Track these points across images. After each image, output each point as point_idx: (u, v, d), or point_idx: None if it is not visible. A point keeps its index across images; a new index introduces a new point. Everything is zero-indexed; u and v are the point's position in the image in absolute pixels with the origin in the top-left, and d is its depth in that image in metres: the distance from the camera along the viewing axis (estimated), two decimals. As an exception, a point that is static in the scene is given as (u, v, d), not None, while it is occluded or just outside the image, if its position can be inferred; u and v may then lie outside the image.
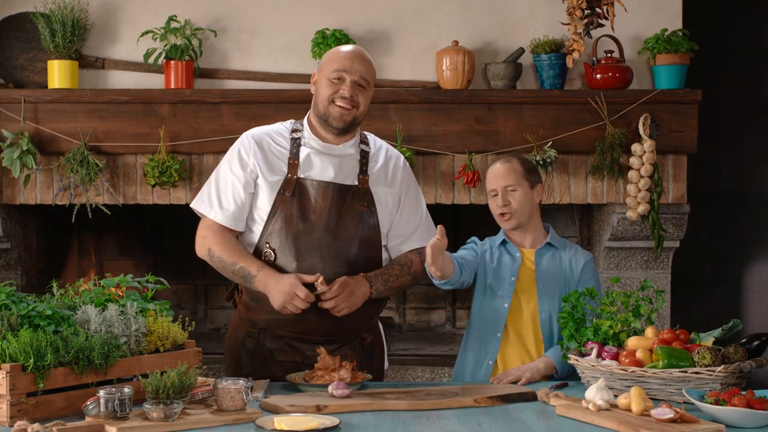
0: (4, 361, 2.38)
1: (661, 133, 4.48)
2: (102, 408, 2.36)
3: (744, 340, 2.80)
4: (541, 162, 4.41)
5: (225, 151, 3.18)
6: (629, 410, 2.44)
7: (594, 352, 2.82)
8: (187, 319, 2.89)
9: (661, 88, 4.53)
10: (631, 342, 2.82)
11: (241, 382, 2.49)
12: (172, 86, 4.49)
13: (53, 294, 2.75)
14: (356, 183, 3.08)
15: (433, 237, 2.87)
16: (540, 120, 4.50)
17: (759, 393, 2.46)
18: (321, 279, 2.91)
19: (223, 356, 3.23)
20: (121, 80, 4.61)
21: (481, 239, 3.30)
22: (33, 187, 4.49)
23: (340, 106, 3.01)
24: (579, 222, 5.19)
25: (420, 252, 3.15)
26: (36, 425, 2.24)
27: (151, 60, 4.52)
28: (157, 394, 2.42)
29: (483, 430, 2.39)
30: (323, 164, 3.06)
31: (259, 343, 3.07)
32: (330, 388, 2.69)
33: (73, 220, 4.51)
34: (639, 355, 2.75)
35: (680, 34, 4.53)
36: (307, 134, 3.10)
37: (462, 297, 5.43)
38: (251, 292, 3.05)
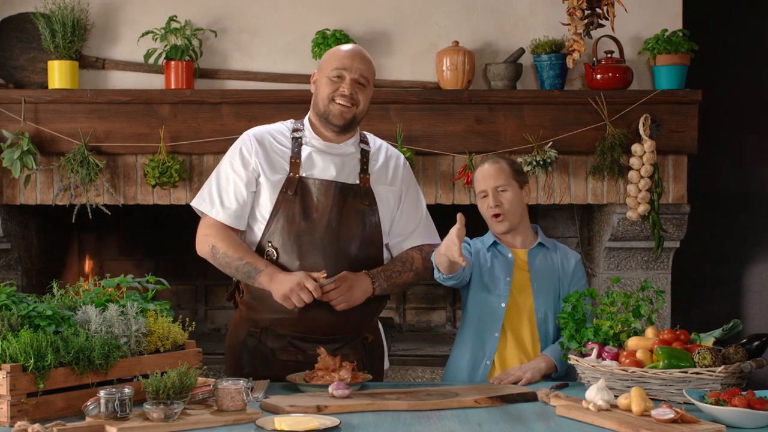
0: (4, 362, 2.38)
1: (661, 133, 4.47)
2: (102, 408, 2.36)
3: (744, 341, 2.80)
4: (541, 162, 4.41)
5: (225, 152, 3.18)
6: (629, 411, 2.44)
7: (594, 353, 2.83)
8: (187, 319, 2.89)
9: (661, 88, 4.53)
10: (632, 342, 2.82)
11: (242, 382, 2.49)
12: (173, 86, 4.49)
13: (53, 294, 2.75)
14: (357, 182, 3.09)
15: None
16: (540, 120, 4.50)
17: (759, 393, 2.46)
18: (325, 275, 2.94)
19: (223, 356, 3.24)
20: (122, 80, 4.61)
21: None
22: (33, 187, 4.49)
23: (340, 104, 3.03)
24: (579, 222, 5.19)
25: (421, 249, 3.16)
26: (36, 426, 2.24)
27: (151, 60, 4.52)
28: (158, 394, 2.42)
29: (483, 430, 2.39)
30: (325, 163, 3.07)
31: (261, 343, 3.07)
32: (330, 389, 2.69)
33: (73, 221, 4.51)
34: (639, 355, 2.75)
35: (680, 34, 4.53)
36: (308, 133, 3.11)
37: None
38: (253, 292, 3.05)
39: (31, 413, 2.38)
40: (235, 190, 3.06)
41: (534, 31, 4.61)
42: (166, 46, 4.51)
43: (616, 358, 2.79)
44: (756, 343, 2.79)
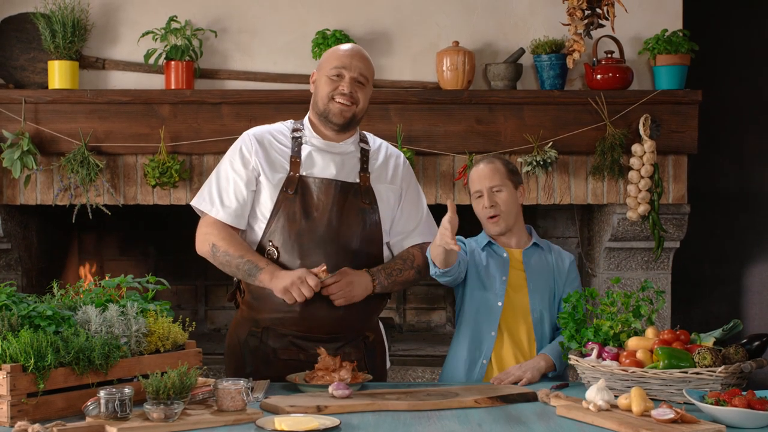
0: (4, 362, 2.38)
1: (661, 133, 4.48)
2: (102, 408, 2.36)
3: (744, 341, 2.80)
4: (541, 162, 4.42)
5: (225, 152, 3.18)
6: (630, 411, 2.44)
7: (594, 353, 2.83)
8: (187, 319, 2.89)
9: (661, 88, 4.53)
10: (632, 342, 2.82)
11: (242, 382, 2.49)
12: (173, 87, 4.49)
13: (54, 294, 2.75)
14: (358, 180, 3.10)
15: (436, 233, 2.88)
16: (540, 120, 4.50)
17: (759, 393, 2.46)
18: (324, 268, 2.93)
19: (223, 356, 3.24)
20: (122, 81, 4.61)
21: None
22: (33, 187, 4.50)
23: (339, 103, 3.04)
24: (579, 222, 5.19)
25: (422, 247, 3.16)
26: (36, 426, 2.24)
27: (151, 60, 4.52)
28: (158, 394, 2.42)
29: (483, 430, 2.39)
30: (325, 162, 3.07)
31: (263, 343, 3.07)
32: (330, 389, 2.69)
33: (73, 221, 4.51)
34: (639, 355, 2.75)
35: (680, 34, 4.53)
36: (308, 132, 3.12)
37: (462, 297, 5.42)
38: (254, 291, 3.05)
39: (32, 413, 2.38)
40: (235, 189, 3.07)
41: (534, 31, 4.62)
42: (166, 46, 4.51)
43: (616, 358, 2.78)
44: (756, 343, 2.79)
